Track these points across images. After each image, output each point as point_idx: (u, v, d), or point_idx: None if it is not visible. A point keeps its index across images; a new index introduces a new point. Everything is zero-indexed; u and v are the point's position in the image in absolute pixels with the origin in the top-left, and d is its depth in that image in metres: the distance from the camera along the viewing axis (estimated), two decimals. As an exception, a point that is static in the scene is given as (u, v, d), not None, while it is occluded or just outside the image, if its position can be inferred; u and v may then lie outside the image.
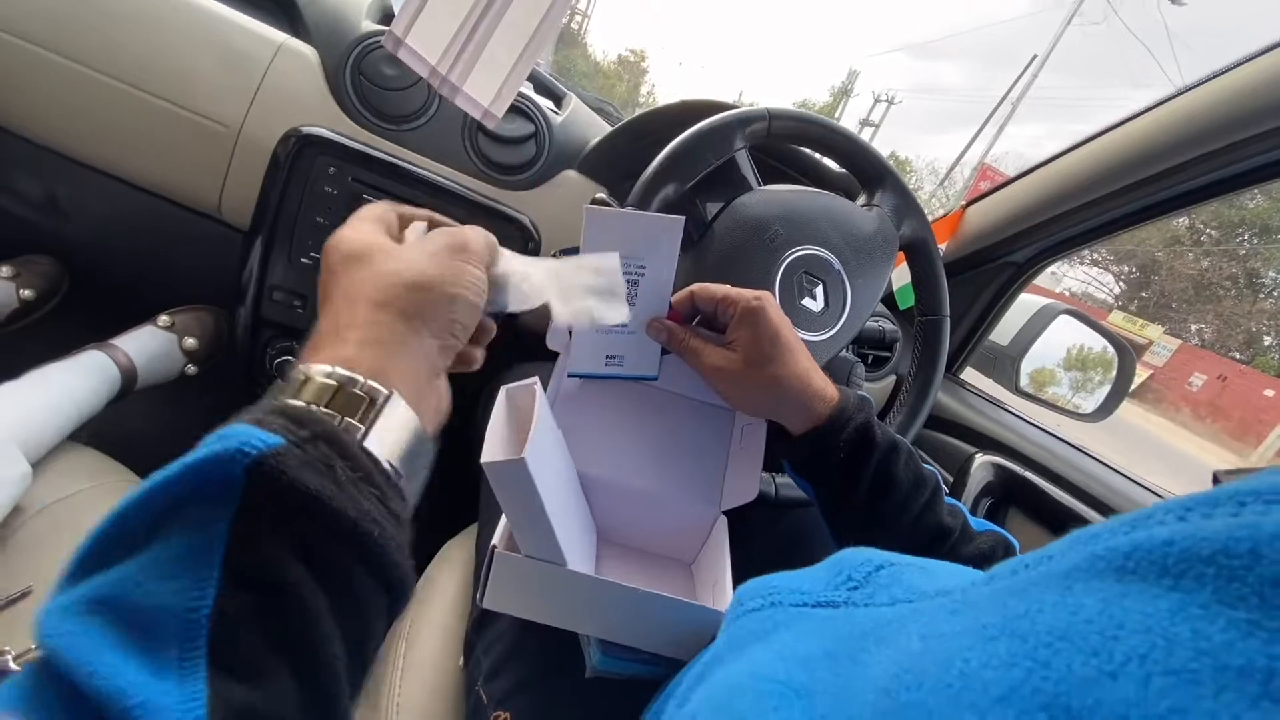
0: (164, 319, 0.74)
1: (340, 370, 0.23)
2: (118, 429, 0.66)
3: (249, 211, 0.69)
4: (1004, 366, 1.04)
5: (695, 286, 0.48)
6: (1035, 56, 13.14)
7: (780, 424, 0.49)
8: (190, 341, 0.75)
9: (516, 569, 0.39)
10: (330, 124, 0.67)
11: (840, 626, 0.19)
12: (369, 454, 0.22)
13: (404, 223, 0.32)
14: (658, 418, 0.52)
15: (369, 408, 0.23)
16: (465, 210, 0.71)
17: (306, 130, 0.65)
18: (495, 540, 0.40)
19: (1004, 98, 13.42)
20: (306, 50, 0.68)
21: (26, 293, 0.73)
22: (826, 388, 0.48)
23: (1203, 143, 0.66)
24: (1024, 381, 1.04)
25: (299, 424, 0.21)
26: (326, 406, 0.22)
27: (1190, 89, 0.66)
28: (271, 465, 0.19)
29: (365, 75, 0.68)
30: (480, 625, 0.52)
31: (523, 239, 0.73)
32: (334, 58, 0.68)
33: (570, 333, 0.47)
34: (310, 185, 0.67)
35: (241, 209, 0.69)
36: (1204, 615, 0.11)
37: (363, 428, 0.22)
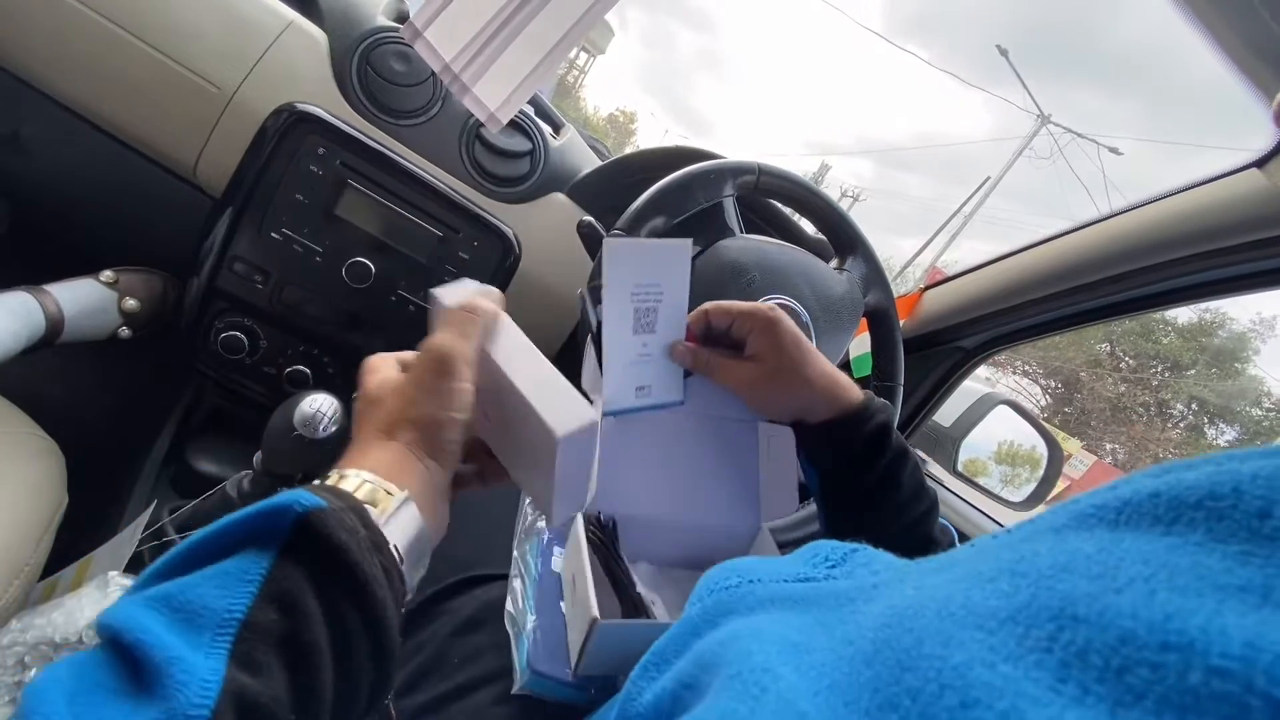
0: (107, 274, 0.69)
1: (368, 474, 0.29)
2: (28, 377, 0.61)
3: (225, 178, 0.66)
4: (945, 446, 1.08)
5: (708, 305, 0.48)
6: (989, 178, 14.32)
7: (803, 419, 0.49)
8: (131, 303, 0.71)
9: (616, 634, 0.38)
10: (329, 106, 0.67)
11: (825, 597, 0.19)
12: (382, 533, 0.28)
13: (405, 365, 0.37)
14: (683, 444, 0.51)
15: (387, 502, 0.29)
16: (449, 212, 0.71)
17: (301, 107, 0.65)
18: (593, 611, 0.38)
19: (958, 210, 14.50)
20: (316, 33, 0.68)
21: (-43, 225, 0.68)
22: (852, 384, 0.48)
23: (1135, 258, 0.73)
24: (962, 464, 1.08)
25: (338, 497, 0.27)
26: (356, 494, 0.28)
27: (1134, 208, 0.73)
28: (314, 519, 0.25)
29: (373, 66, 0.68)
30: (401, 633, 0.48)
31: (504, 251, 0.73)
32: (344, 44, 0.68)
33: (601, 370, 0.46)
34: (296, 162, 0.65)
35: (218, 175, 0.67)
36: (1200, 550, 0.12)
37: (382, 515, 0.28)
